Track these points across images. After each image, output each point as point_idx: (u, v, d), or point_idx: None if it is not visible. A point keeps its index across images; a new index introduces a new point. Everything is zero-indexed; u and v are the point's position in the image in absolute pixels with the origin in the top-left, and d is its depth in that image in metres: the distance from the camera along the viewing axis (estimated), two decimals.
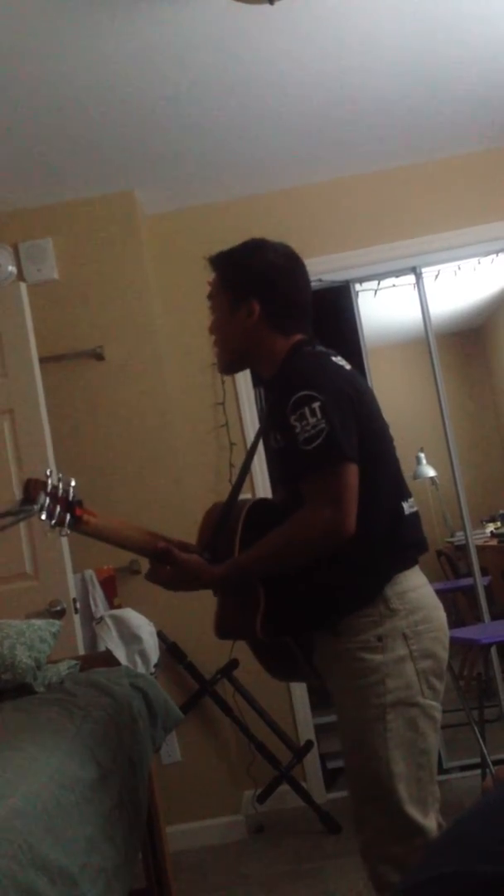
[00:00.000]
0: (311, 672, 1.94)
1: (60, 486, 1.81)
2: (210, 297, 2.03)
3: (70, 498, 1.81)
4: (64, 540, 3.31)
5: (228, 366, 2.06)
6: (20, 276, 3.79)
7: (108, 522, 1.89)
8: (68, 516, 1.80)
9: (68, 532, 1.83)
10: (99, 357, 3.78)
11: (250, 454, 2.14)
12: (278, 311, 1.92)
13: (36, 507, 1.78)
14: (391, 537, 1.82)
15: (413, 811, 1.74)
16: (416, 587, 1.83)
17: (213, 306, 2.02)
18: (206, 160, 3.71)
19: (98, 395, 3.78)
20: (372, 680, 1.77)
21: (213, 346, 2.04)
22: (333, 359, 1.90)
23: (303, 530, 1.75)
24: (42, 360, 3.48)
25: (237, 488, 2.04)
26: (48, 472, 1.83)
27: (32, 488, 1.80)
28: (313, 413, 1.71)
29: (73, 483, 1.82)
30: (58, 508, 1.79)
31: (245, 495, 2.21)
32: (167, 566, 1.85)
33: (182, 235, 4.04)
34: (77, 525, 1.82)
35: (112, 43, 2.77)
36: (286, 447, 1.80)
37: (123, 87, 3.04)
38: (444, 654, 1.84)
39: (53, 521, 1.79)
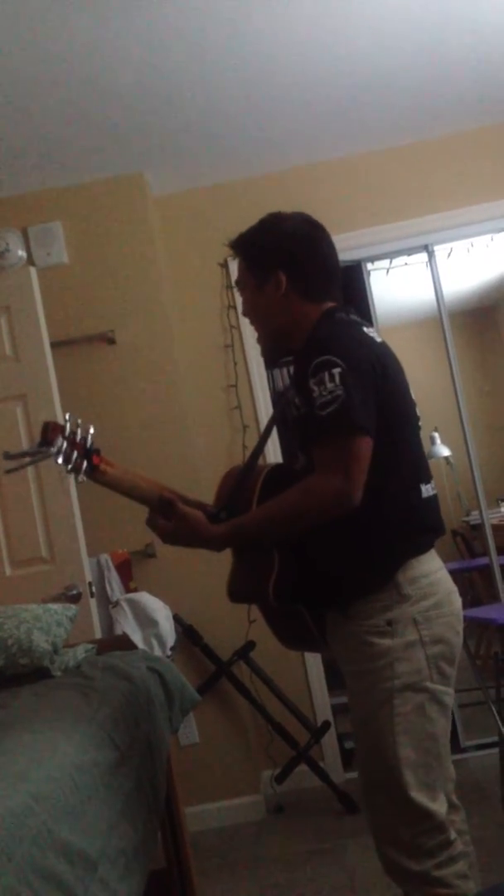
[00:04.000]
0: (323, 644, 1.93)
1: (79, 431, 1.79)
2: (237, 282, 2.01)
3: (88, 445, 1.79)
4: (79, 524, 3.32)
5: (272, 346, 1.99)
6: (30, 260, 3.77)
7: (126, 474, 1.86)
8: (85, 463, 1.79)
9: (84, 479, 1.81)
10: (110, 341, 3.77)
11: (271, 422, 2.14)
12: (305, 279, 1.89)
13: (52, 450, 1.76)
14: (406, 519, 1.80)
15: (420, 796, 1.73)
16: (430, 572, 1.81)
17: (241, 290, 2.00)
18: (214, 140, 3.68)
19: (110, 379, 3.77)
20: (380, 664, 1.76)
21: (254, 331, 2.00)
22: (364, 329, 1.86)
23: (308, 497, 1.73)
24: (53, 345, 3.48)
25: (258, 451, 2.02)
26: (66, 417, 1.81)
27: (50, 431, 1.78)
28: (332, 379, 1.68)
29: (91, 430, 1.80)
30: (75, 454, 1.78)
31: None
32: (169, 517, 1.81)
33: (192, 216, 4.02)
34: (94, 473, 1.80)
35: (119, 23, 2.74)
36: (306, 414, 1.77)
37: (130, 68, 3.01)
38: (456, 640, 1.82)
39: (70, 466, 1.77)
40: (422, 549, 1.82)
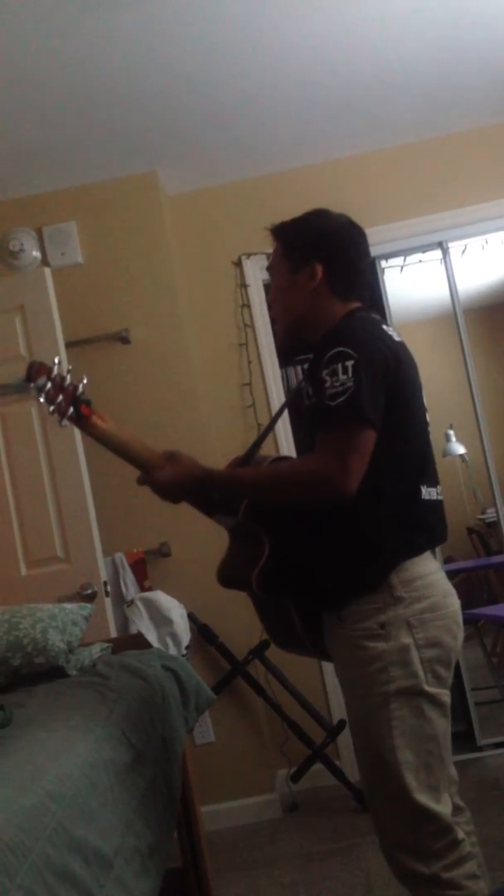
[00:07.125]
0: (310, 646, 1.92)
1: (68, 377, 1.78)
2: (269, 267, 2.03)
3: (77, 393, 1.78)
4: (94, 523, 3.33)
5: (287, 333, 2.02)
6: (44, 260, 3.79)
7: (118, 431, 1.85)
8: (71, 409, 1.77)
9: (67, 424, 1.79)
10: (125, 340, 3.78)
11: (278, 414, 2.17)
12: (341, 275, 1.92)
13: (32, 387, 1.74)
14: (402, 519, 1.78)
15: (423, 798, 1.72)
16: (425, 574, 1.79)
17: (273, 275, 2.01)
18: (228, 139, 3.68)
19: (124, 379, 3.77)
20: (375, 668, 1.74)
21: (272, 315, 2.03)
22: (383, 326, 1.88)
23: (301, 468, 1.76)
24: (68, 345, 3.48)
25: (258, 443, 2.06)
26: (56, 360, 1.80)
27: (35, 370, 1.76)
28: (345, 370, 1.70)
29: (84, 380, 1.80)
30: (60, 397, 1.76)
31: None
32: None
33: (205, 215, 4.02)
34: (83, 423, 1.80)
35: (131, 23, 2.74)
36: (316, 404, 1.78)
37: (144, 68, 3.01)
38: (452, 643, 1.80)
39: (52, 408, 1.76)
40: (417, 551, 1.79)
